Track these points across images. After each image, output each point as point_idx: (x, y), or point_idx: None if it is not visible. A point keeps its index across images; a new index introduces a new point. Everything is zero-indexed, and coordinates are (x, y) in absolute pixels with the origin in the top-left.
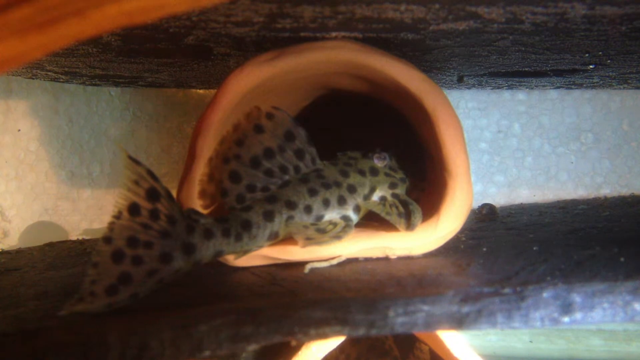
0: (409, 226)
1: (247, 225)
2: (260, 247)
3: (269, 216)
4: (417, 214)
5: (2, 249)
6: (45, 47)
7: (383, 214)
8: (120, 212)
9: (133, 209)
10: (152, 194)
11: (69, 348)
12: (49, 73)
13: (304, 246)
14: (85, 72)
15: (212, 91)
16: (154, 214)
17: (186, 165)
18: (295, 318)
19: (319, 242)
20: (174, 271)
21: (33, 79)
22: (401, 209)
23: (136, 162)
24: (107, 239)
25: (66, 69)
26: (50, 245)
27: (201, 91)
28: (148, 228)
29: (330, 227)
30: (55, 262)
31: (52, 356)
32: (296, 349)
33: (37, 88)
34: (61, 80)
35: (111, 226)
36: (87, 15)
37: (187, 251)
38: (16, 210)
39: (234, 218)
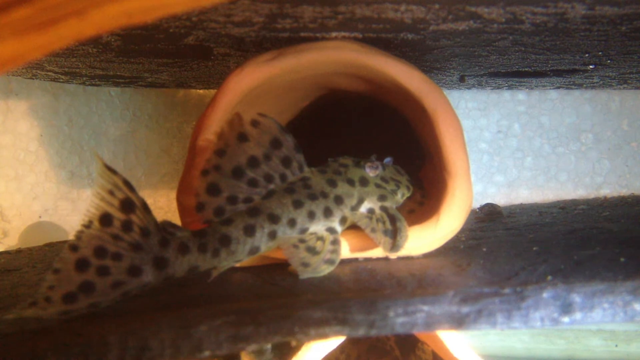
0: (394, 247)
1: (225, 241)
2: (240, 261)
3: (250, 231)
4: (404, 234)
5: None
6: (45, 47)
7: (368, 230)
8: (90, 222)
9: (104, 219)
10: (127, 205)
11: (69, 348)
12: (49, 73)
13: (302, 276)
14: (85, 72)
15: (212, 91)
16: (127, 226)
17: (186, 166)
18: (295, 318)
19: (315, 272)
20: (142, 285)
21: (33, 79)
22: (388, 225)
23: (112, 171)
24: (73, 247)
25: (66, 69)
26: (50, 245)
27: (201, 91)
28: (119, 239)
29: (319, 243)
30: None
31: (52, 356)
32: (296, 349)
33: (37, 88)
34: (61, 80)
35: (79, 234)
36: (87, 15)
37: (159, 265)
38: (16, 210)
39: (213, 232)
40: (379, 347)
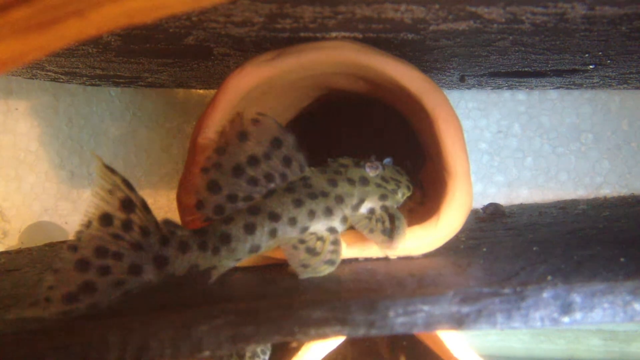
0: (391, 246)
1: (226, 239)
2: (240, 260)
3: (250, 229)
4: (401, 232)
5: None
6: (45, 47)
7: (366, 232)
8: (90, 222)
9: (104, 219)
10: (127, 205)
11: (69, 348)
12: (49, 73)
13: (301, 277)
14: (85, 72)
15: (212, 91)
16: (127, 225)
17: (186, 165)
18: (295, 318)
19: (315, 272)
20: (143, 283)
21: (33, 79)
22: (387, 224)
23: (112, 171)
24: (72, 247)
25: (66, 69)
26: (50, 245)
27: (201, 91)
28: (119, 239)
29: (319, 243)
30: None
31: (52, 356)
32: (296, 349)
33: (37, 88)
34: (61, 80)
35: (78, 235)
36: (87, 16)
37: (159, 264)
38: (16, 210)
39: (213, 230)
40: (375, 348)
